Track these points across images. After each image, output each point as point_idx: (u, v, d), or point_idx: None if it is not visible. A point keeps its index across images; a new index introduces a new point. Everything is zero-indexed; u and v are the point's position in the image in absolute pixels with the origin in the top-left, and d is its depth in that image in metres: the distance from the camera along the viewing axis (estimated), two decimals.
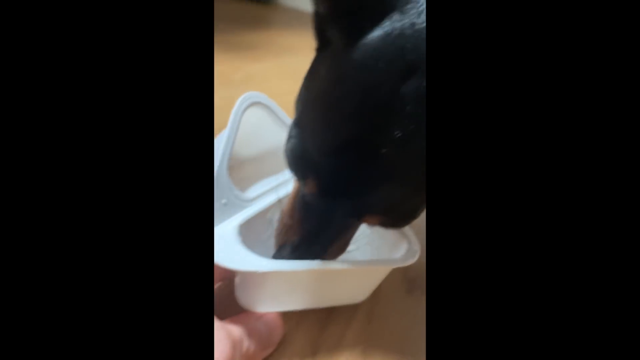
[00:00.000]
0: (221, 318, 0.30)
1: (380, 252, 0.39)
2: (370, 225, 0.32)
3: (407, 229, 0.38)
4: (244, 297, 0.33)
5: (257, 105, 0.39)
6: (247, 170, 0.39)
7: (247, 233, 0.34)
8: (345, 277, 0.35)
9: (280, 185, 0.40)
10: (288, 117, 0.43)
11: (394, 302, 0.41)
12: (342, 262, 0.33)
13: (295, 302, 0.35)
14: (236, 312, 0.33)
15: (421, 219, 0.31)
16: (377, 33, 0.23)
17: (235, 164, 0.36)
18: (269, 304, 0.34)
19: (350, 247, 0.35)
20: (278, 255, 0.32)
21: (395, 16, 0.23)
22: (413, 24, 0.23)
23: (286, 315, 0.34)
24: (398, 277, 0.43)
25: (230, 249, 0.31)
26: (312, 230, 0.30)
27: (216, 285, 0.36)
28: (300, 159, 0.28)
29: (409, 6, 0.23)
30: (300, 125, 0.28)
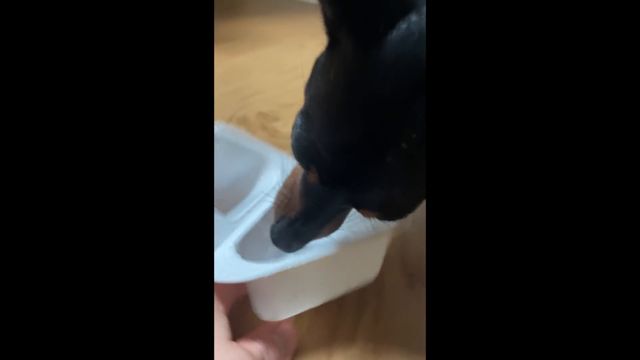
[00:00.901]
0: (238, 336, 0.31)
1: (375, 225, 0.40)
2: (367, 217, 0.32)
3: None
4: (261, 309, 0.34)
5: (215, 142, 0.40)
6: (224, 197, 0.40)
7: (245, 249, 0.35)
8: (350, 255, 0.36)
9: (261, 201, 0.41)
10: (250, 138, 0.45)
11: (398, 298, 0.42)
12: (343, 243, 0.33)
13: (311, 298, 0.36)
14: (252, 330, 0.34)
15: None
16: (391, 37, 0.21)
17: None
18: (287, 308, 0.34)
19: (345, 225, 0.34)
20: (276, 227, 0.32)
21: (414, 17, 0.21)
22: None
23: (297, 323, 0.35)
24: (398, 274, 0.45)
25: (231, 265, 0.32)
26: (311, 208, 0.30)
27: (229, 306, 0.36)
28: (305, 149, 0.27)
29: (425, 8, 0.21)
30: (308, 117, 0.27)
